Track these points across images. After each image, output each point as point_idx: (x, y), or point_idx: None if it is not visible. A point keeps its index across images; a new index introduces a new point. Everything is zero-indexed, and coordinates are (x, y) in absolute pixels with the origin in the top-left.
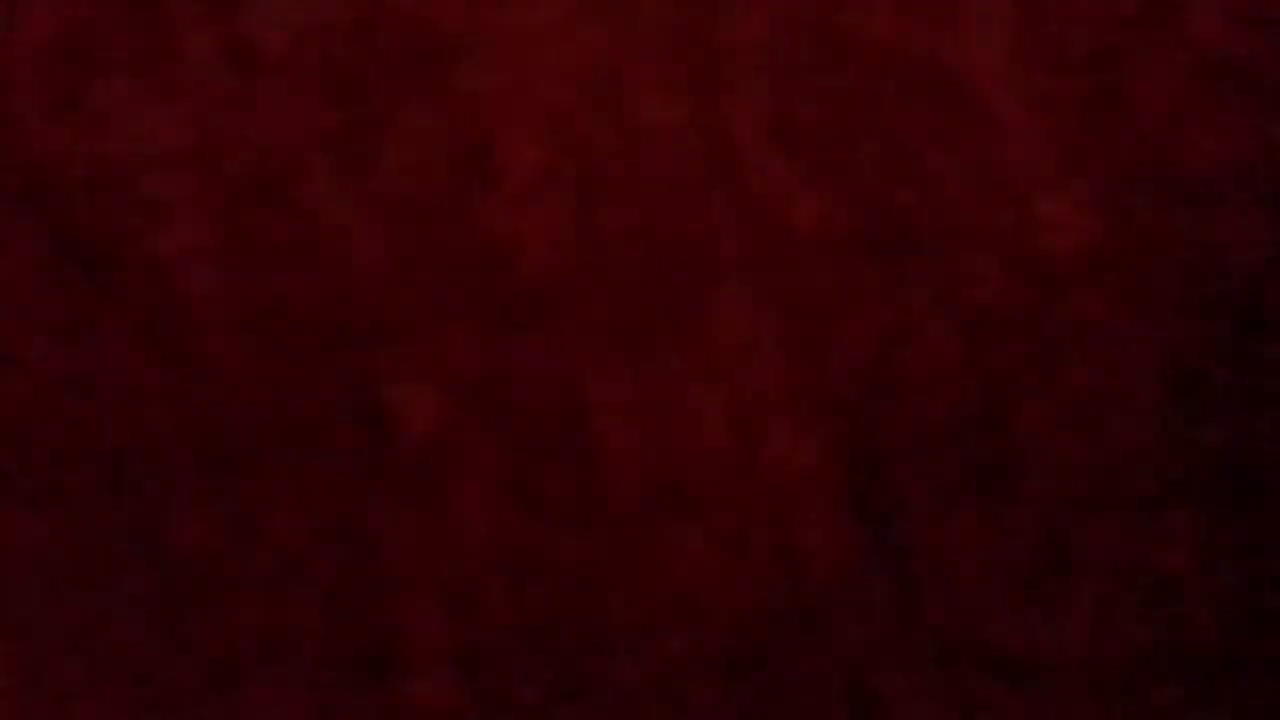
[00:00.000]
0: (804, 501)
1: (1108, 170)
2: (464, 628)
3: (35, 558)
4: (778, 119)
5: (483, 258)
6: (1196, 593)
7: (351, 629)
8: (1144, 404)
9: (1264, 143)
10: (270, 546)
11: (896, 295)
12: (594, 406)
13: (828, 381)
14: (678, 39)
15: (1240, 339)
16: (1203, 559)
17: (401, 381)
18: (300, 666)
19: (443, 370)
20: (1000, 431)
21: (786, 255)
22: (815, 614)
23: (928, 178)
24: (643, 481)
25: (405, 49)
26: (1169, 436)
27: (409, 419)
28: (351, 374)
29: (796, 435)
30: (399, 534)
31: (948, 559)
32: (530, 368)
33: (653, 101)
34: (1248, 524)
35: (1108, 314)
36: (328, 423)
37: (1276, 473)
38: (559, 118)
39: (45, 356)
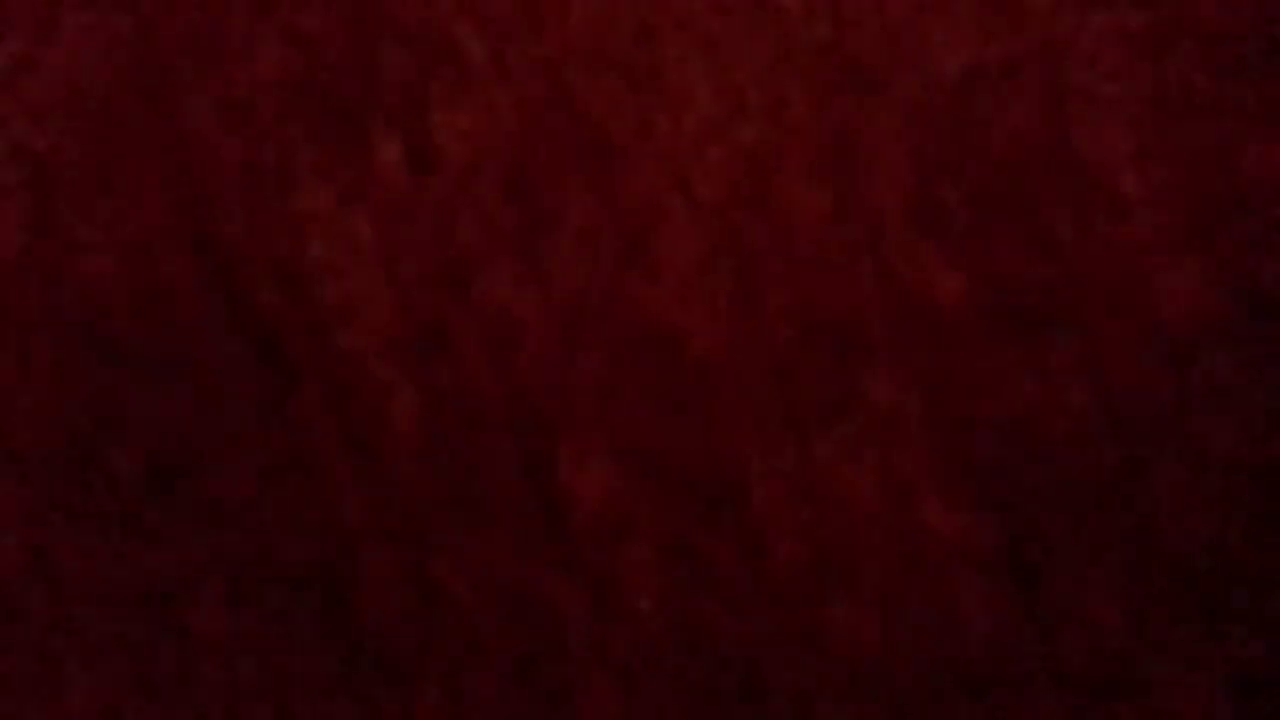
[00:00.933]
0: (957, 568)
1: (1225, 247)
2: (634, 697)
3: (229, 640)
4: (920, 203)
5: (647, 343)
6: None
7: (530, 701)
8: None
9: None
10: (453, 622)
11: (1038, 367)
12: (754, 480)
13: (975, 450)
14: (822, 133)
15: None
16: None
17: (574, 461)
18: None
19: (612, 450)
20: (1142, 494)
21: (932, 332)
22: (972, 678)
23: (1063, 255)
24: (801, 552)
25: (575, 153)
26: None
27: (581, 496)
28: (528, 455)
29: (946, 504)
30: (574, 605)
31: (1095, 618)
32: (693, 445)
33: (801, 192)
34: None
35: (1237, 380)
36: (507, 501)
37: None
38: (715, 211)
39: (239, 449)
